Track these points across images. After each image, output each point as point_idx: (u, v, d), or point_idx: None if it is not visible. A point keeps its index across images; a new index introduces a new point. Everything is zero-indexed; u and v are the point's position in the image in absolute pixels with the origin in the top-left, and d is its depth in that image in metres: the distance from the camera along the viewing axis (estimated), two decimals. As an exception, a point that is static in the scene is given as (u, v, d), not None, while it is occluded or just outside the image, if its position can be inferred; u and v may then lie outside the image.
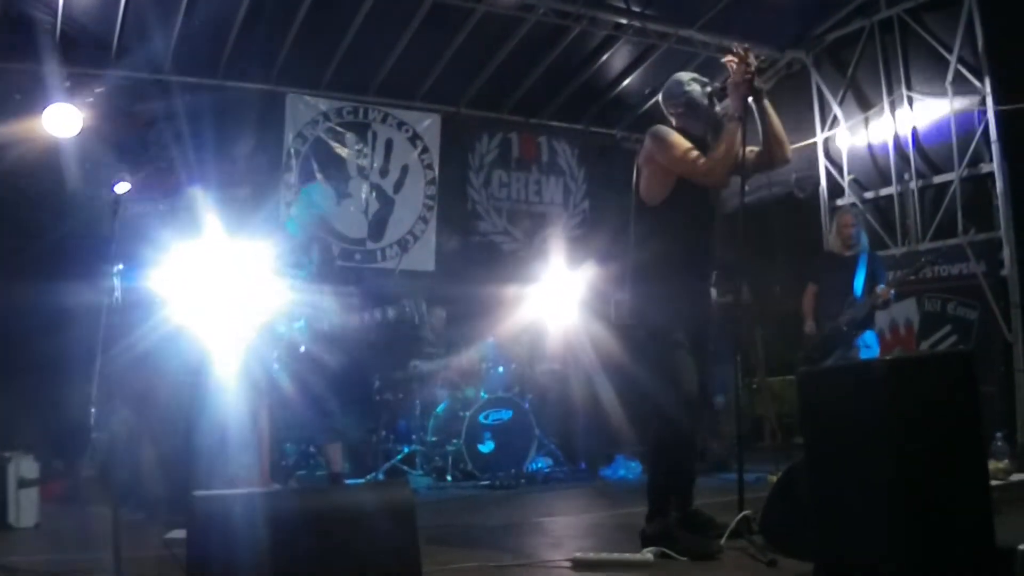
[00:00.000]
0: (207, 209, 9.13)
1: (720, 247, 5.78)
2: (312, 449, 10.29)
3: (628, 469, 9.95)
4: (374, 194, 12.25)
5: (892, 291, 8.60)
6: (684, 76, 5.83)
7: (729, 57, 5.48)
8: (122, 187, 5.09)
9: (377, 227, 12.24)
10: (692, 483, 5.73)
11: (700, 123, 5.69)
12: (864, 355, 8.55)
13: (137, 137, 10.54)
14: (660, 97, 5.90)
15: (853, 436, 3.49)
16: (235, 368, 7.53)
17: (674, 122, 5.80)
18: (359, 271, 11.40)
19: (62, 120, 8.63)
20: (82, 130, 9.18)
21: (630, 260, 5.81)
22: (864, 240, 9.11)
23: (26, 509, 7.17)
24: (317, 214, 7.59)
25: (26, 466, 7.25)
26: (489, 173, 13.11)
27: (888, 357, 4.45)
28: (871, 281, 8.66)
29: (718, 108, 5.67)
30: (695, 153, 5.45)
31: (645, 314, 5.68)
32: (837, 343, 8.64)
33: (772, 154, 5.63)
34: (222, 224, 10.21)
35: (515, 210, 13.15)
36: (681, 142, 5.51)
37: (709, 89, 5.67)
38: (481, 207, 12.99)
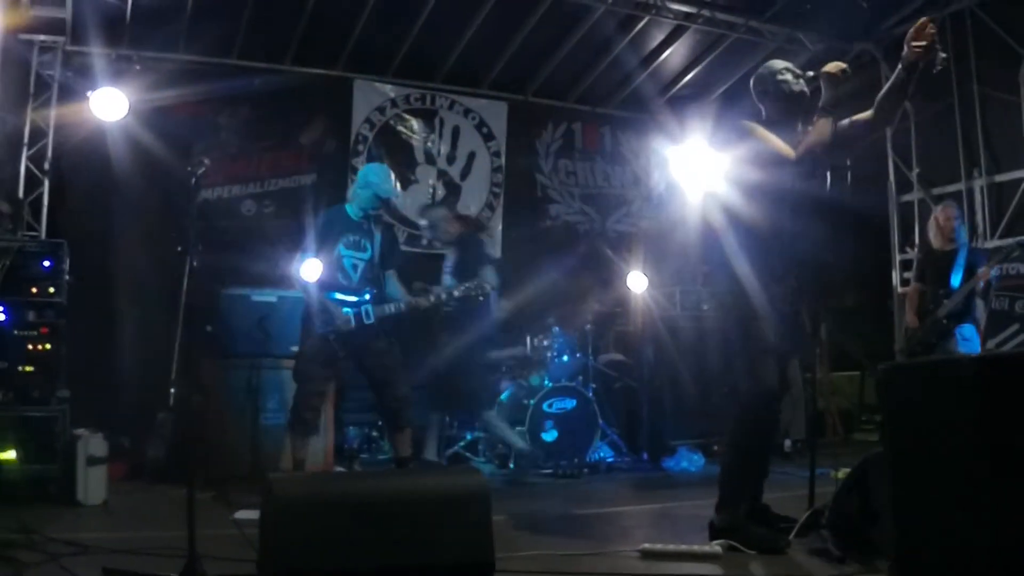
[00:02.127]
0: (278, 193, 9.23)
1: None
2: (374, 433, 10.35)
3: (690, 461, 9.91)
4: (441, 180, 12.32)
5: (993, 269, 8.53)
6: (777, 64, 5.74)
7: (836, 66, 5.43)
8: (201, 169, 5.11)
9: (445, 213, 12.26)
10: (764, 477, 5.72)
11: (791, 112, 5.63)
12: (963, 347, 8.50)
13: (206, 121, 10.65)
14: (751, 84, 5.83)
15: (938, 436, 3.46)
16: (312, 351, 7.55)
17: (764, 111, 5.76)
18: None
19: (121, 102, 8.71)
20: (147, 113, 9.30)
21: (720, 249, 5.75)
22: (964, 234, 8.99)
23: (94, 487, 7.26)
24: (373, 194, 7.60)
25: (95, 444, 7.33)
26: (556, 161, 13.12)
27: (975, 355, 4.41)
28: (969, 274, 8.58)
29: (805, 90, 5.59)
30: (784, 147, 5.40)
31: (731, 303, 5.64)
32: (938, 337, 8.57)
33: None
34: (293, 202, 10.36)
35: (588, 194, 13.20)
36: (767, 136, 5.45)
37: (802, 79, 5.60)
38: (553, 191, 13.01)
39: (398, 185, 11.41)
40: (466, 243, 9.48)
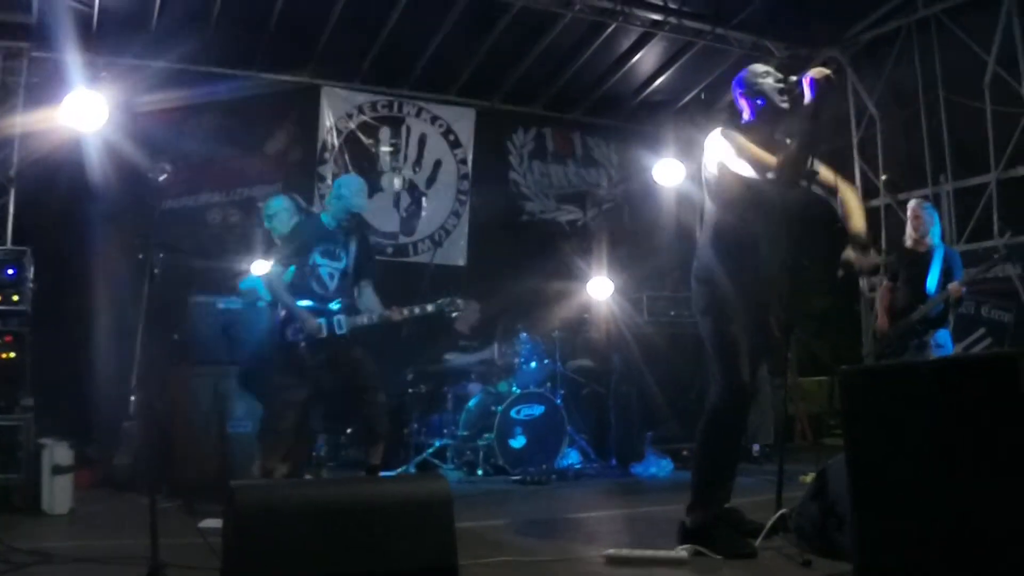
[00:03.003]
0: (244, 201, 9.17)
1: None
2: (342, 440, 10.32)
3: (659, 467, 9.93)
4: (406, 188, 12.31)
5: (964, 288, 8.40)
6: (759, 68, 5.69)
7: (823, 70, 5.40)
8: (162, 176, 5.09)
9: (409, 222, 12.30)
10: (732, 479, 5.71)
11: (771, 116, 5.58)
12: (936, 354, 8.39)
13: (173, 129, 10.60)
14: (733, 86, 5.78)
15: (896, 439, 3.47)
16: (284, 360, 7.49)
17: (744, 115, 5.74)
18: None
19: (87, 108, 8.66)
20: (114, 119, 9.24)
21: (698, 254, 5.75)
22: (937, 235, 8.73)
23: (60, 496, 7.24)
24: (345, 207, 7.57)
25: (60, 453, 7.30)
26: (530, 162, 13.15)
27: (932, 359, 4.42)
28: (945, 278, 8.35)
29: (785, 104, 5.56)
30: (764, 156, 5.38)
31: (706, 306, 5.63)
32: (910, 341, 8.49)
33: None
34: (257, 216, 10.31)
35: (564, 194, 13.33)
36: (747, 146, 5.42)
37: (783, 85, 5.57)
38: (528, 189, 13.05)
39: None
40: (362, 237, 9.27)
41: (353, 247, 7.61)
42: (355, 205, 7.62)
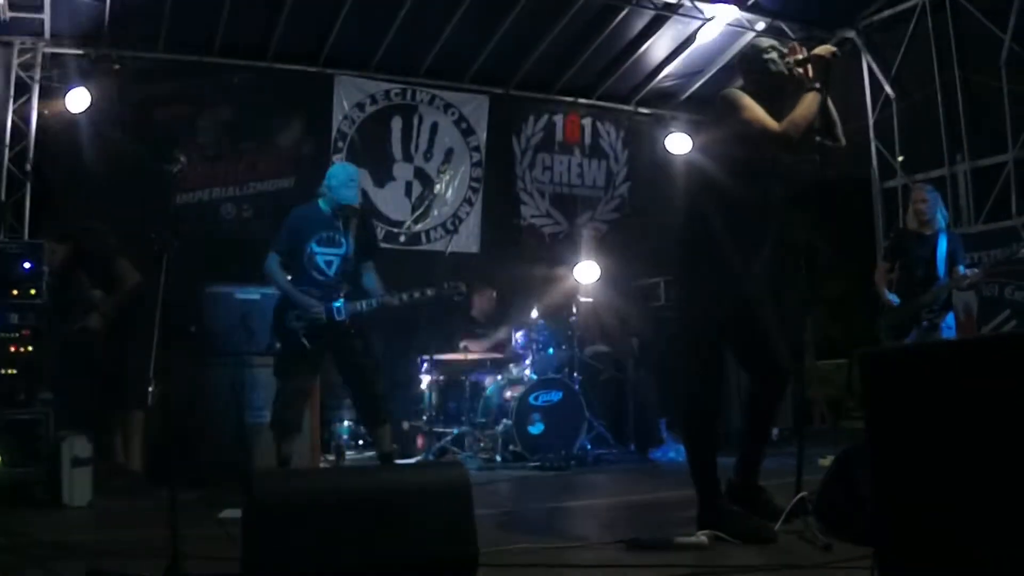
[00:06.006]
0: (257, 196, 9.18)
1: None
2: (362, 429, 10.33)
3: (677, 451, 9.91)
4: (418, 177, 12.31)
5: (979, 276, 8.39)
6: (764, 43, 5.63)
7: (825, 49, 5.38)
8: (177, 168, 5.08)
9: (421, 210, 12.31)
10: (760, 458, 5.66)
11: (774, 92, 5.49)
12: (946, 335, 8.38)
13: (186, 122, 10.61)
14: (737, 61, 5.75)
15: (918, 422, 3.44)
16: (286, 347, 7.52)
17: (747, 88, 5.67)
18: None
19: (101, 102, 8.69)
20: (127, 113, 9.26)
21: (678, 238, 5.70)
22: (941, 218, 8.69)
23: (79, 489, 7.22)
24: (334, 198, 7.50)
25: (79, 445, 7.30)
26: (534, 156, 13.13)
27: (954, 339, 4.38)
28: (950, 261, 8.38)
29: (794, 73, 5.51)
30: (766, 119, 5.29)
31: (681, 301, 5.62)
32: (917, 323, 8.46)
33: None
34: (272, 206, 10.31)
35: (557, 193, 13.27)
36: (754, 104, 5.36)
37: (790, 60, 5.52)
38: (524, 192, 13.02)
39: (360, 190, 11.31)
40: (363, 221, 9.00)
41: (353, 232, 7.54)
42: (343, 197, 7.47)
